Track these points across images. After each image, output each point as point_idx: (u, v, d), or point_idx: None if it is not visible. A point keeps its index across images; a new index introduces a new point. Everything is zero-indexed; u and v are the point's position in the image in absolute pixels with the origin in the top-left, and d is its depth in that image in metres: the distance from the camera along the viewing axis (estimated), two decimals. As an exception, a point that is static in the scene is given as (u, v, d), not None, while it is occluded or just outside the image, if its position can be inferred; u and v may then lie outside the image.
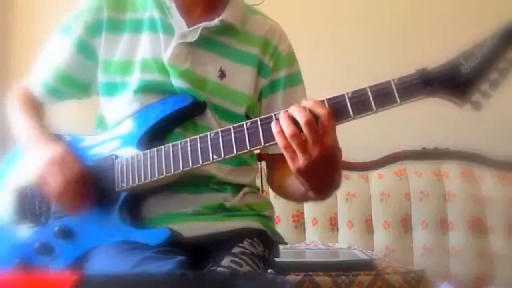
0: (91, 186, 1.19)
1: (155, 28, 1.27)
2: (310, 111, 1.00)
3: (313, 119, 0.99)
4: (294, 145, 1.00)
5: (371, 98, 1.00)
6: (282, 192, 1.34)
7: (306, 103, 1.02)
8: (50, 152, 1.18)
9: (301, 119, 0.99)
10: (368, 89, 1.01)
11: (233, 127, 1.09)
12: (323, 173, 1.04)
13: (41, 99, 1.38)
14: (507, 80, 0.99)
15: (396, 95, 0.99)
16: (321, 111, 1.00)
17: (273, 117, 1.05)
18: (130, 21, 1.29)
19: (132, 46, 1.27)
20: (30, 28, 2.62)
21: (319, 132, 0.99)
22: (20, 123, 1.31)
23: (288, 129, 1.00)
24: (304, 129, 0.99)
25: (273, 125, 1.02)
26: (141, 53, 1.27)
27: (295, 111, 1.01)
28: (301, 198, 1.22)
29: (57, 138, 1.28)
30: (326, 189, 1.12)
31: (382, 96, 1.00)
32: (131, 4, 1.30)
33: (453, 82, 0.99)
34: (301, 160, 1.00)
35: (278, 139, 1.01)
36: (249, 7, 1.36)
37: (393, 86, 1.00)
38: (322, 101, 1.02)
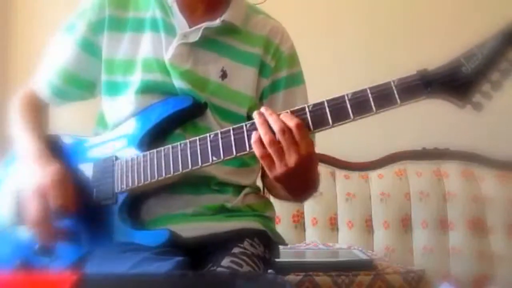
0: (76, 211, 1.17)
1: (156, 27, 1.27)
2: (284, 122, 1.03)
3: (286, 128, 1.02)
4: (271, 152, 1.02)
5: (371, 99, 1.00)
6: (271, 191, 1.38)
7: (281, 115, 1.04)
8: (41, 176, 1.16)
9: (275, 127, 1.02)
10: (368, 90, 1.01)
11: (233, 129, 1.09)
12: (300, 179, 1.07)
13: (46, 100, 1.38)
14: (508, 80, 0.98)
15: (396, 96, 0.99)
16: (290, 123, 1.02)
17: None
18: (132, 20, 1.29)
19: (134, 46, 1.27)
20: (31, 29, 2.61)
21: (293, 141, 1.01)
22: (18, 131, 1.30)
23: (266, 136, 1.02)
24: (279, 137, 1.01)
25: (252, 134, 1.04)
26: (143, 53, 1.26)
27: (270, 119, 1.03)
28: (285, 198, 1.31)
29: (55, 150, 1.26)
30: (303, 194, 1.20)
31: (382, 97, 1.00)
32: (134, 3, 1.30)
33: (454, 82, 0.99)
34: (278, 168, 1.03)
35: (256, 148, 1.04)
36: (251, 7, 1.36)
37: (393, 87, 1.00)
38: (294, 112, 1.04)
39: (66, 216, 1.16)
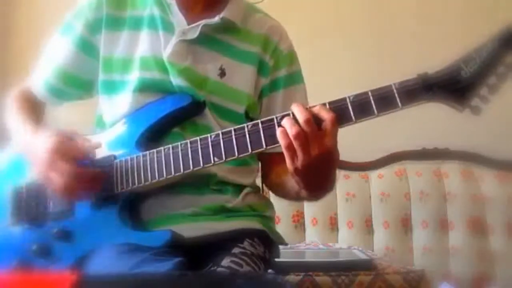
0: (92, 173, 1.17)
1: (155, 25, 1.27)
2: (315, 115, 1.01)
3: (312, 118, 1.00)
4: (296, 145, 1.00)
5: (372, 102, 1.01)
6: (276, 189, 1.34)
7: (313, 107, 1.02)
8: (47, 143, 1.16)
9: (300, 117, 1.00)
10: (369, 93, 1.01)
11: (234, 130, 1.09)
12: (320, 173, 1.05)
13: (43, 100, 1.37)
14: (505, 84, 0.99)
15: (398, 99, 1.00)
16: (326, 116, 1.01)
17: (275, 119, 1.05)
18: (130, 18, 1.29)
19: (132, 44, 1.27)
20: (30, 28, 2.61)
21: (319, 132, 1.00)
22: (16, 125, 1.30)
23: (292, 128, 1.00)
24: (304, 127, 1.00)
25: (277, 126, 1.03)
26: (141, 51, 1.26)
27: (295, 109, 1.02)
28: (294, 197, 1.23)
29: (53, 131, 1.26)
30: (319, 190, 1.13)
31: (383, 101, 1.01)
32: (131, 1, 1.30)
33: (454, 86, 1.00)
34: (300, 160, 1.01)
35: (281, 138, 1.01)
36: (250, 6, 1.36)
37: (395, 90, 1.00)
38: (324, 104, 1.03)
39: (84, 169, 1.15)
